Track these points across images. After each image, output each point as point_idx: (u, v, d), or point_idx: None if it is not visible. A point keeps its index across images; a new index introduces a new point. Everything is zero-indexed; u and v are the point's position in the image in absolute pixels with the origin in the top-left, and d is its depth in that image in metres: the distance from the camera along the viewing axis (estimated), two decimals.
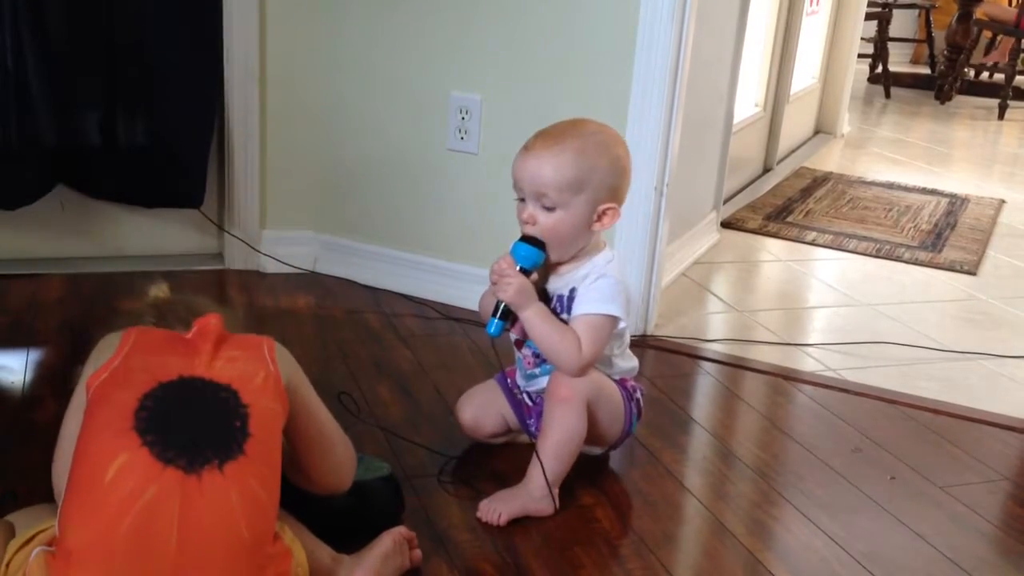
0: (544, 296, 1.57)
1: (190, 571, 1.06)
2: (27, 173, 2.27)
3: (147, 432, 1.09)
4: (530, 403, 1.67)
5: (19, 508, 1.32)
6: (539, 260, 1.52)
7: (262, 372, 1.19)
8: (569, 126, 1.54)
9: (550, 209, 1.50)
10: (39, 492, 1.46)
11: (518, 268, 1.51)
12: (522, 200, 1.53)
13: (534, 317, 1.52)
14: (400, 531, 1.40)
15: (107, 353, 1.18)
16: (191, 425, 1.12)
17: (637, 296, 2.21)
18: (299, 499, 1.33)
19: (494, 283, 1.53)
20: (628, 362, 1.67)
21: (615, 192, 1.53)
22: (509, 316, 1.54)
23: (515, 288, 1.50)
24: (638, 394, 1.67)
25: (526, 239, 1.52)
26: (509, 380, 1.70)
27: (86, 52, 2.27)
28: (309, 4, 2.35)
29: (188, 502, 1.06)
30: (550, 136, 1.51)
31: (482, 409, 1.70)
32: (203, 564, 1.07)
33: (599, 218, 1.52)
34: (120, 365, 1.15)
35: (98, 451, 1.09)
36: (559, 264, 1.57)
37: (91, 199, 2.40)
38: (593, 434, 1.58)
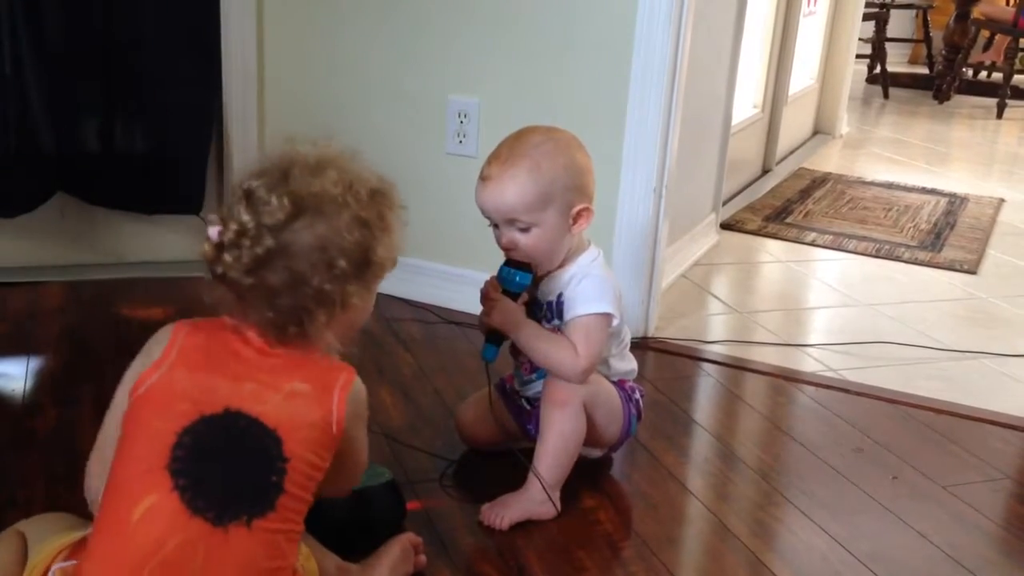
0: (535, 305, 1.57)
1: None
2: (26, 181, 2.27)
3: (180, 474, 1.05)
4: (528, 407, 1.67)
5: (19, 514, 1.31)
6: (524, 281, 1.52)
7: (319, 418, 1.10)
8: (515, 143, 1.51)
9: (525, 230, 1.50)
10: (38, 499, 1.47)
11: (504, 291, 1.52)
12: (496, 227, 1.53)
13: (523, 336, 1.53)
14: (408, 537, 1.39)
15: (154, 352, 1.12)
16: (226, 473, 1.08)
17: (637, 299, 2.21)
18: None
19: (482, 306, 1.54)
20: (626, 364, 1.67)
21: (582, 191, 1.51)
22: (501, 338, 1.55)
23: (498, 311, 1.51)
24: (637, 395, 1.67)
25: (511, 261, 1.52)
26: (508, 385, 1.70)
27: (84, 59, 2.27)
28: (307, 9, 2.35)
29: (212, 556, 1.04)
30: (500, 160, 1.49)
31: (480, 421, 1.69)
32: None
33: (575, 220, 1.51)
34: (163, 379, 1.10)
35: (129, 486, 1.06)
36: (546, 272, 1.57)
37: (90, 206, 2.39)
38: (591, 435, 1.57)
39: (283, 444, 1.08)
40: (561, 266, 1.56)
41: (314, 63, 2.38)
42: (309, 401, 1.11)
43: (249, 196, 1.12)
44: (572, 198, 1.50)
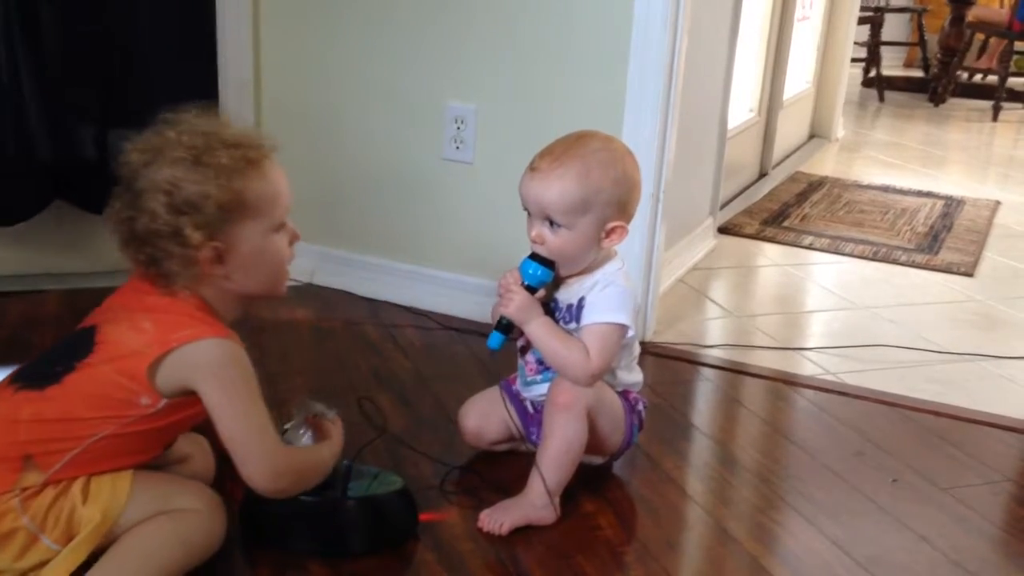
0: (553, 306, 1.58)
1: None
2: (24, 189, 2.27)
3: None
4: (531, 410, 1.67)
5: None
6: (546, 278, 1.53)
7: (139, 348, 1.26)
8: (573, 143, 1.52)
9: (557, 229, 1.50)
10: None
11: (524, 284, 1.52)
12: (530, 215, 1.54)
13: (538, 332, 1.53)
14: None
15: None
16: (42, 358, 1.34)
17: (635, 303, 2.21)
18: (311, 509, 1.35)
19: (500, 296, 1.54)
20: (633, 376, 1.67)
21: (623, 208, 1.53)
22: (511, 330, 1.55)
23: (516, 304, 1.51)
24: (640, 406, 1.67)
25: (535, 256, 1.53)
26: (512, 387, 1.70)
27: (81, 66, 2.27)
28: (303, 15, 2.36)
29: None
30: (553, 156, 1.50)
31: (485, 416, 1.69)
32: None
33: (607, 235, 1.53)
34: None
35: None
36: (569, 275, 1.57)
37: (88, 214, 2.39)
38: (592, 443, 1.57)
39: (95, 347, 1.28)
40: (586, 271, 1.56)
41: (310, 70, 2.39)
42: (142, 335, 1.28)
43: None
44: (611, 213, 1.51)
